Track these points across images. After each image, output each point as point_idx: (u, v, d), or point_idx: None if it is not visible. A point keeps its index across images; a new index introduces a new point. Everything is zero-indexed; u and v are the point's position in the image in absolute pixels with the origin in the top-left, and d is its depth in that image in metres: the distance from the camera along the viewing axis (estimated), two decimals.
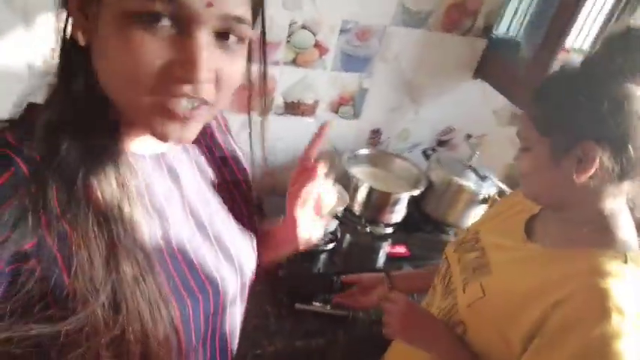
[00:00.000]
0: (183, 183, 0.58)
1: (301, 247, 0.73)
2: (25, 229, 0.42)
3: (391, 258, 1.31)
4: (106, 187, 0.46)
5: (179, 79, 0.42)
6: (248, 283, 0.68)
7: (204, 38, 0.42)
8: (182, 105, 0.43)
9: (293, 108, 1.37)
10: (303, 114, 1.39)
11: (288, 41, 1.24)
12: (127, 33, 0.40)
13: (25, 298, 0.42)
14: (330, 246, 1.26)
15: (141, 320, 0.46)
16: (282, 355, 1.07)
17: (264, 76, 0.56)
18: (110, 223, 0.45)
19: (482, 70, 1.48)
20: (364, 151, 1.43)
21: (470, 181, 1.34)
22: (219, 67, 0.44)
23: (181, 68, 0.41)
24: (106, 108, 0.47)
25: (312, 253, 1.26)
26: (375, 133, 1.54)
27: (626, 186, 0.70)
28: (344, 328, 1.14)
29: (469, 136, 1.70)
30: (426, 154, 1.52)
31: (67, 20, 0.45)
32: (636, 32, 0.65)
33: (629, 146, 0.65)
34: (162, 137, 0.46)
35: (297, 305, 1.15)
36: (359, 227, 1.34)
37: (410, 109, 1.53)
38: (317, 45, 1.27)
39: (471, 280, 0.84)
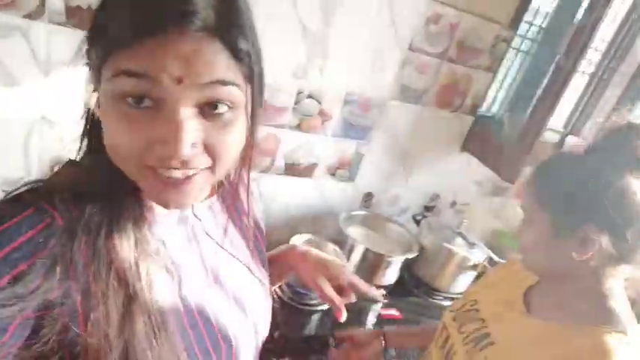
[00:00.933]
0: (202, 241, 0.60)
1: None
2: (53, 279, 0.43)
3: (382, 320, 1.33)
4: (126, 246, 0.47)
5: (163, 154, 0.43)
6: (261, 342, 0.69)
7: (183, 114, 0.42)
8: (174, 174, 0.45)
9: (292, 169, 1.43)
10: (301, 174, 1.45)
11: (294, 108, 1.32)
12: (116, 112, 0.43)
13: (45, 348, 0.43)
14: (325, 306, 1.28)
15: None
16: None
17: (252, 138, 0.53)
18: (128, 280, 0.46)
19: (468, 144, 1.60)
20: (360, 213, 1.49)
21: (460, 248, 1.41)
22: (207, 138, 0.44)
23: (163, 146, 0.42)
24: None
25: (304, 313, 1.27)
26: (368, 196, 1.60)
27: (623, 269, 0.74)
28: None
29: (454, 203, 1.79)
30: (415, 220, 1.59)
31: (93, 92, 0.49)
32: (636, 129, 0.73)
33: (628, 235, 0.70)
34: (162, 204, 0.48)
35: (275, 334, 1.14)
36: None
37: (401, 175, 1.61)
38: (321, 113, 1.36)
39: (473, 352, 0.86)
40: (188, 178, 0.45)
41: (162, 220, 0.54)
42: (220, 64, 0.43)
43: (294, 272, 0.82)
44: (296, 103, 1.31)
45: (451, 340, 0.94)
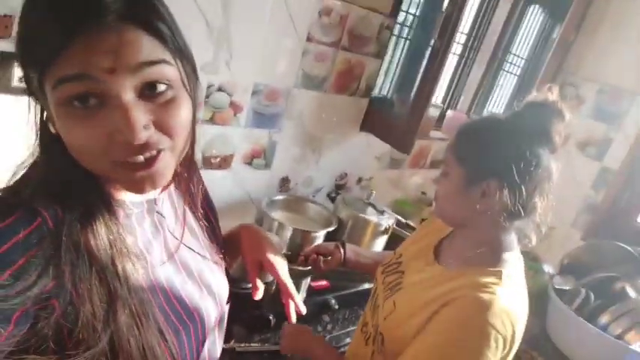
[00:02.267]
0: (165, 227, 0.65)
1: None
2: (48, 275, 0.46)
3: (314, 291, 1.44)
4: (100, 245, 0.51)
5: (123, 143, 0.46)
6: (226, 313, 0.77)
7: (125, 99, 0.45)
8: (139, 159, 0.48)
9: (210, 162, 1.46)
10: (220, 167, 1.49)
11: (206, 102, 1.35)
12: (67, 118, 0.46)
13: (43, 336, 0.46)
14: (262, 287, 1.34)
15: None
16: None
17: (193, 121, 0.56)
18: (108, 279, 0.50)
19: (366, 124, 1.77)
20: (279, 197, 1.57)
21: (371, 216, 1.57)
22: (157, 118, 0.48)
23: (120, 134, 0.46)
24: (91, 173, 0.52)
25: (239, 295, 1.32)
26: (284, 181, 1.70)
27: (517, 223, 0.89)
28: None
29: (360, 179, 1.96)
30: (330, 197, 1.73)
31: (42, 111, 0.52)
32: (551, 107, 0.86)
33: (524, 195, 0.84)
34: (137, 190, 0.52)
35: (238, 348, 1.20)
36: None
37: (312, 158, 1.73)
38: (232, 105, 1.41)
39: (388, 297, 0.98)
40: (153, 158, 0.49)
41: (132, 212, 0.59)
42: (144, 46, 0.46)
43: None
44: (207, 96, 1.35)
45: (377, 291, 1.07)
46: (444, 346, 0.82)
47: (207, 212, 0.78)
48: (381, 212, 1.60)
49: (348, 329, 1.39)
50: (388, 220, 1.58)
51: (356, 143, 1.83)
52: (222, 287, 0.74)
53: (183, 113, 0.50)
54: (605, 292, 1.61)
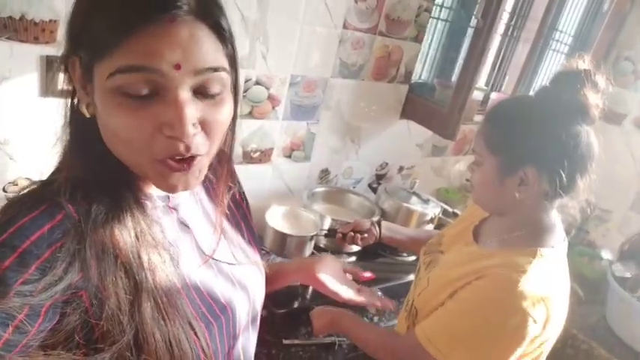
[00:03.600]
0: (194, 224, 0.63)
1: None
2: (74, 268, 0.46)
3: (359, 283, 1.42)
4: (127, 238, 0.50)
5: (170, 138, 0.46)
6: (259, 312, 0.75)
7: (183, 96, 0.45)
8: (179, 159, 0.48)
9: (250, 157, 1.46)
10: (260, 161, 1.49)
11: (244, 96, 1.35)
12: (116, 107, 0.45)
13: (70, 330, 0.46)
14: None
15: (160, 358, 0.50)
16: None
17: (235, 116, 0.57)
18: (133, 271, 0.50)
19: (406, 111, 1.72)
20: (320, 189, 1.56)
21: (416, 205, 1.53)
22: (205, 117, 0.48)
23: (170, 129, 0.46)
24: (122, 165, 0.52)
25: (288, 288, 1.32)
26: (324, 173, 1.68)
27: (557, 203, 0.86)
28: (332, 354, 1.21)
29: (401, 168, 1.92)
30: (372, 188, 1.69)
31: (73, 95, 0.51)
32: (583, 74, 0.80)
33: (564, 176, 0.81)
34: (170, 189, 0.52)
35: (285, 341, 1.20)
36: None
37: (352, 149, 1.70)
38: (270, 98, 1.40)
39: (425, 273, 1.00)
40: (192, 158, 0.49)
41: (159, 205, 0.58)
42: (210, 48, 0.46)
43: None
44: (245, 91, 1.34)
45: (420, 270, 1.07)
46: (468, 315, 0.82)
47: (245, 210, 0.78)
48: (426, 201, 1.56)
49: (394, 322, 1.36)
50: (434, 209, 1.53)
51: (396, 131, 1.79)
52: (257, 285, 0.72)
53: (226, 115, 0.51)
54: None
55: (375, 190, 1.67)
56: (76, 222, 0.47)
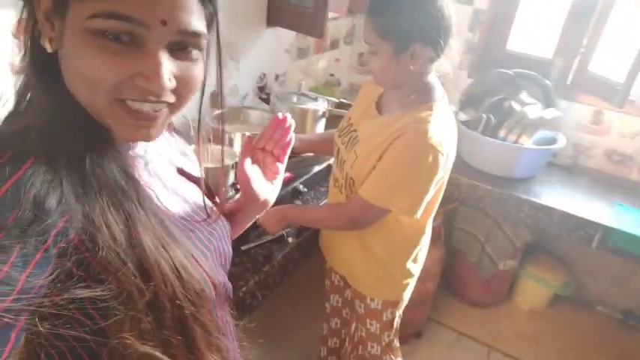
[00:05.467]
0: (159, 171, 0.64)
1: (260, 209, 0.82)
2: (54, 209, 0.44)
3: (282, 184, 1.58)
4: (109, 173, 0.50)
5: (142, 88, 0.47)
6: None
7: (162, 52, 0.47)
8: (145, 107, 0.49)
9: None
10: None
11: None
12: (90, 47, 0.45)
13: (66, 271, 0.45)
14: (238, 195, 1.45)
15: (170, 284, 0.50)
16: (263, 283, 1.27)
17: (220, 76, 0.60)
18: (123, 202, 0.49)
19: (271, 18, 1.79)
20: (217, 112, 1.60)
21: (308, 104, 1.69)
22: (178, 74, 0.49)
23: (145, 80, 0.46)
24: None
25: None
26: (214, 96, 1.70)
27: (436, 65, 1.10)
28: (284, 244, 1.39)
29: (277, 76, 2.03)
30: (262, 99, 1.79)
31: (33, 28, 0.49)
32: None
33: (442, 42, 1.04)
34: (130, 137, 0.51)
35: (243, 247, 1.33)
36: None
37: (232, 66, 1.74)
38: None
39: (349, 150, 1.21)
40: (156, 112, 0.50)
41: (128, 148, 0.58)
42: (195, 11, 0.48)
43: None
44: None
45: (340, 151, 1.28)
46: (398, 165, 1.08)
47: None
48: (315, 99, 1.73)
49: (322, 202, 1.59)
50: (323, 104, 1.71)
51: (266, 40, 1.86)
52: (224, 234, 0.73)
53: (199, 75, 0.52)
54: (499, 112, 1.99)
55: (267, 101, 1.77)
56: (45, 167, 0.46)
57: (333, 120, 1.69)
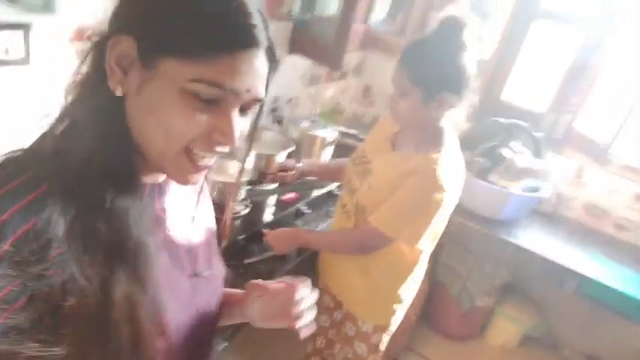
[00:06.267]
0: (170, 208, 0.65)
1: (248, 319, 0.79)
2: (49, 244, 0.46)
3: (283, 203, 1.67)
4: (115, 228, 0.51)
5: (218, 142, 0.52)
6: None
7: (236, 112, 0.52)
8: (206, 160, 0.55)
9: None
10: None
11: None
12: (182, 105, 0.49)
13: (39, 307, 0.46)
14: (246, 211, 1.53)
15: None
16: None
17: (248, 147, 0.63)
18: (115, 264, 0.50)
19: (293, 47, 1.90)
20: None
21: (319, 131, 1.80)
22: (241, 129, 0.54)
23: (221, 135, 0.52)
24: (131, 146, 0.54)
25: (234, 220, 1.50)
26: None
27: (451, 112, 1.22)
28: (287, 260, 1.47)
29: (289, 100, 2.13)
30: (277, 121, 1.89)
31: (102, 72, 0.51)
32: (458, 21, 1.13)
33: (464, 92, 1.16)
34: (185, 181, 0.56)
35: (246, 260, 1.41)
36: (256, 189, 1.64)
37: None
38: None
39: (363, 182, 1.31)
40: (210, 165, 0.56)
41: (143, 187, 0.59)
42: (265, 79, 0.54)
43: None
44: None
45: (351, 179, 1.38)
46: (408, 200, 1.20)
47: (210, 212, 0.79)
48: (325, 127, 1.84)
49: (323, 224, 1.68)
50: (333, 133, 1.82)
51: (283, 66, 1.97)
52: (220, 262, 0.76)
53: (248, 129, 0.58)
54: (492, 157, 2.13)
55: (280, 122, 1.87)
56: (57, 199, 0.47)
57: (339, 148, 1.80)
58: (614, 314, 2.07)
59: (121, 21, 0.51)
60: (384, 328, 1.41)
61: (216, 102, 0.51)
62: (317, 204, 1.75)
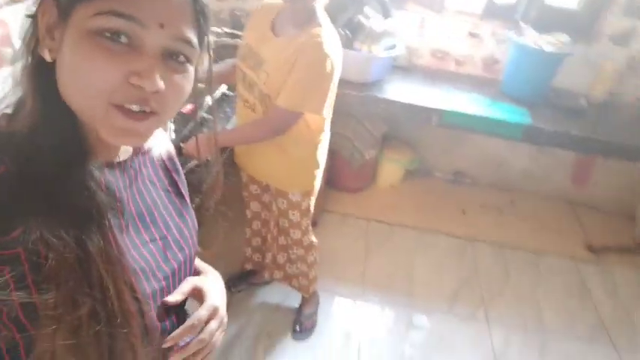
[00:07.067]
0: (141, 187, 0.66)
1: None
2: (11, 217, 0.47)
3: (186, 115, 1.73)
4: (79, 194, 0.51)
5: (135, 86, 0.48)
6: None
7: (157, 52, 0.49)
8: (134, 108, 0.50)
9: None
10: None
11: None
12: (90, 47, 0.47)
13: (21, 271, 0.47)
14: None
15: (110, 302, 0.51)
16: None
17: (211, 92, 0.64)
18: (84, 224, 0.50)
19: None
20: None
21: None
22: (168, 82, 0.50)
23: (138, 78, 0.48)
24: (76, 123, 0.53)
25: None
26: None
27: None
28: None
29: None
30: None
31: (35, 41, 0.51)
32: None
33: None
34: (119, 138, 0.52)
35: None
36: None
37: None
38: None
39: (258, 72, 1.45)
40: (145, 114, 0.51)
41: (109, 171, 0.59)
42: (190, 23, 0.51)
43: None
44: None
45: (246, 75, 1.50)
46: (304, 75, 1.37)
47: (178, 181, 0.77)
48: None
49: (228, 125, 1.80)
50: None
51: None
52: (192, 243, 0.73)
53: (186, 86, 0.54)
54: (352, 27, 2.33)
55: None
56: (17, 176, 0.48)
57: (219, 51, 1.83)
58: (471, 134, 2.62)
59: None
60: (310, 193, 1.68)
61: (129, 44, 0.48)
62: (213, 109, 1.84)
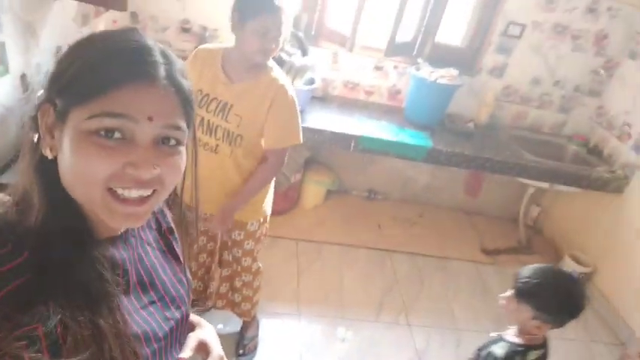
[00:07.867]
0: (143, 255, 0.69)
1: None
2: (22, 314, 0.48)
3: None
4: (87, 278, 0.54)
5: (130, 175, 0.52)
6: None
7: (148, 142, 0.53)
8: (133, 194, 0.54)
9: None
10: None
11: None
12: (87, 144, 0.51)
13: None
14: None
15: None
16: None
17: (195, 164, 0.66)
18: (95, 315, 0.53)
19: None
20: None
21: None
22: (162, 164, 0.54)
23: (133, 168, 0.52)
24: (77, 208, 0.57)
25: None
26: (23, 79, 1.64)
27: None
28: None
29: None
30: None
31: (38, 140, 0.56)
32: None
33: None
34: (119, 223, 0.57)
35: None
36: None
37: (33, 43, 1.68)
38: None
39: (227, 114, 1.53)
40: (143, 199, 0.55)
41: (113, 247, 0.63)
42: (176, 108, 0.56)
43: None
44: None
45: (204, 119, 1.56)
46: (286, 113, 1.55)
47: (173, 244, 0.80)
48: None
49: None
50: None
51: (55, 13, 1.82)
52: (186, 299, 0.77)
53: (180, 165, 0.58)
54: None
55: None
56: (33, 269, 0.51)
57: None
58: (381, 156, 2.92)
59: (45, 90, 0.56)
60: (265, 219, 1.80)
61: (123, 138, 0.52)
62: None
